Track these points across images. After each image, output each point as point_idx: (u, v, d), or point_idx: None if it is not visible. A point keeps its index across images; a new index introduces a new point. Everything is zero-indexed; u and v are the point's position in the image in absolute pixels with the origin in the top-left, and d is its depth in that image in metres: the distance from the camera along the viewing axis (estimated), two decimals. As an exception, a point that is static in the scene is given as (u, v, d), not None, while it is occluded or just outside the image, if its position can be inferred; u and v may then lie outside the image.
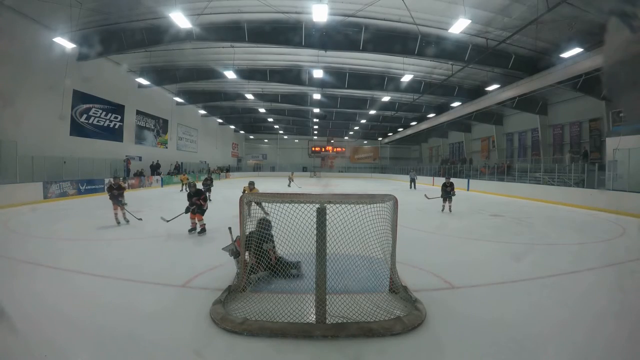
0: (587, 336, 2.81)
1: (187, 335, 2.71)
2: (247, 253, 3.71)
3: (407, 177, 31.82)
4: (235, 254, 3.84)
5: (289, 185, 21.71)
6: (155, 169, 21.26)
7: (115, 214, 7.50)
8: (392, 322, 2.79)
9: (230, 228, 4.08)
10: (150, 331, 2.75)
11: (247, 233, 3.70)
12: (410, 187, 21.92)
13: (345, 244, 3.21)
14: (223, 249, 3.97)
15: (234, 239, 3.94)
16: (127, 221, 7.59)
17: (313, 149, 45.31)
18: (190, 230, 6.57)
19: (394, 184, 27.93)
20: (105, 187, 7.76)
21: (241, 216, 3.50)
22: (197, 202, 6.52)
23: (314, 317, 2.84)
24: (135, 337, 2.66)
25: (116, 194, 7.45)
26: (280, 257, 3.75)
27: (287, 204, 3.24)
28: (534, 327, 2.89)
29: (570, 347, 2.66)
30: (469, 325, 2.89)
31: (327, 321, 2.79)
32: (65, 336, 2.65)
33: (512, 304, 3.45)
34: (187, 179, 15.59)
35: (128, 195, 8.64)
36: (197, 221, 6.58)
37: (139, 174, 19.51)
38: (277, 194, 4.53)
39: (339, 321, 2.81)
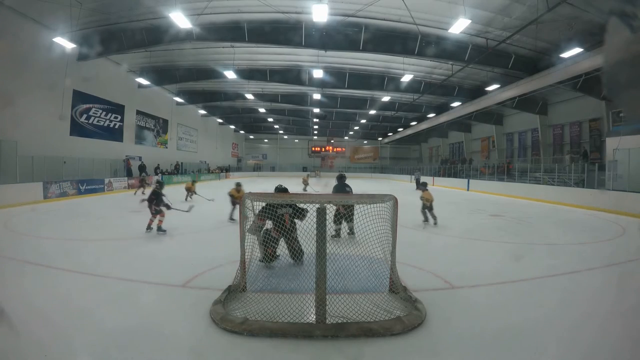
0: (587, 336, 2.81)
1: (187, 335, 2.71)
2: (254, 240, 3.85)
3: (407, 177, 31.94)
4: (255, 230, 3.89)
5: (304, 190, 17.40)
6: (142, 169, 19.72)
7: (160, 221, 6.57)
8: (392, 322, 2.79)
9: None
10: (150, 331, 2.75)
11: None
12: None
13: (345, 244, 3.21)
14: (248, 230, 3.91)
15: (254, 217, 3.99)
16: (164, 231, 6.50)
17: (313, 149, 45.34)
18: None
19: (395, 184, 27.93)
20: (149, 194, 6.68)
21: (241, 216, 3.50)
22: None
23: (314, 317, 2.84)
24: (135, 337, 2.66)
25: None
26: (296, 237, 4.10)
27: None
28: (534, 327, 2.89)
29: (571, 346, 2.66)
30: (469, 326, 2.89)
31: (327, 321, 2.79)
32: (65, 336, 2.65)
33: (512, 304, 3.45)
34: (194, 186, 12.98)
35: (130, 194, 8.53)
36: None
37: (143, 169, 19.45)
38: (278, 194, 4.55)
39: (339, 321, 2.81)
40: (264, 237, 4.05)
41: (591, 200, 11.22)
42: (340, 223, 5.54)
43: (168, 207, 6.50)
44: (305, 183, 17.64)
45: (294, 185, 21.27)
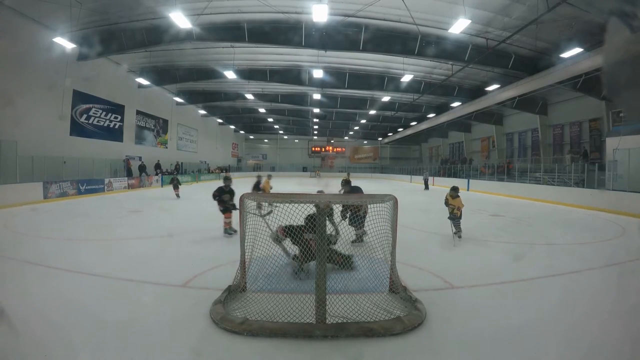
0: (587, 336, 2.81)
1: (187, 335, 2.71)
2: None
3: (407, 177, 31.94)
4: (276, 239, 3.90)
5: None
6: (142, 169, 19.84)
7: (229, 222, 6.25)
8: (392, 322, 2.79)
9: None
10: (150, 331, 2.75)
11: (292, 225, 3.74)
12: (426, 188, 21.65)
13: (346, 244, 3.21)
14: (270, 236, 3.88)
15: (276, 228, 3.89)
16: (235, 231, 6.11)
17: (313, 149, 45.32)
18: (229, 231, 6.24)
19: (395, 184, 27.92)
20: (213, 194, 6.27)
21: (241, 216, 3.50)
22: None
23: (314, 317, 2.84)
24: (135, 337, 2.66)
25: (227, 199, 6.20)
26: (334, 250, 3.94)
27: (287, 204, 3.24)
28: (534, 327, 2.89)
29: (571, 346, 2.66)
30: (469, 325, 2.89)
31: (327, 321, 2.79)
32: (64, 336, 2.65)
33: (512, 304, 3.45)
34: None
35: (129, 194, 8.45)
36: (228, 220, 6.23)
37: (143, 169, 19.46)
38: (278, 194, 4.55)
39: (339, 321, 2.81)
40: (302, 253, 3.78)
41: (591, 200, 11.22)
42: (362, 227, 5.06)
43: (235, 207, 5.95)
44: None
45: (295, 185, 21.33)
